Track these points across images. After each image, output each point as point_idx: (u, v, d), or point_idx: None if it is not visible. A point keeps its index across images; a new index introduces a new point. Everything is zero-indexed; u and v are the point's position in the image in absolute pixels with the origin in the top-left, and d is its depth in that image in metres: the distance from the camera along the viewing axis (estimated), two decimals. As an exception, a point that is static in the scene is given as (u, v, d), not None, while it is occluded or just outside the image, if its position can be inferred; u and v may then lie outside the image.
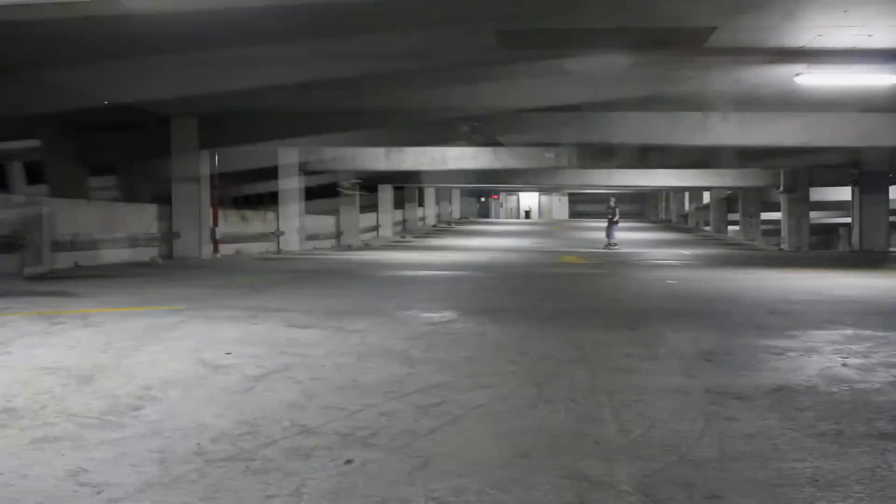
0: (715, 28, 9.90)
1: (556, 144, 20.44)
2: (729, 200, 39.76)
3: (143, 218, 16.38)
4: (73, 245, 13.36)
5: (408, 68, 12.51)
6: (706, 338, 5.97)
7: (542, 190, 59.07)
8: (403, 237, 33.15)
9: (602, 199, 62.62)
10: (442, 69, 12.53)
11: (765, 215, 35.82)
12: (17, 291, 8.96)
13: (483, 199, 64.57)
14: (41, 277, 10.85)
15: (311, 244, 23.35)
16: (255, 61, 12.06)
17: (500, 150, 23.75)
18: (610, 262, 16.60)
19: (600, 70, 12.51)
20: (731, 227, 40.54)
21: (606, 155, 23.80)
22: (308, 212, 23.60)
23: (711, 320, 7.06)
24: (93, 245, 14.02)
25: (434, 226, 43.64)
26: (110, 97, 14.96)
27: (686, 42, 10.73)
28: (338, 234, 27.15)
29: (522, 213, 64.23)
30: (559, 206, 63.69)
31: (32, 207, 11.93)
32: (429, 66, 12.27)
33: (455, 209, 53.77)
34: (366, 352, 5.25)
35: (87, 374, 4.44)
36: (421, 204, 43.30)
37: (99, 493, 2.67)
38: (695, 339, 5.94)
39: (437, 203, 47.73)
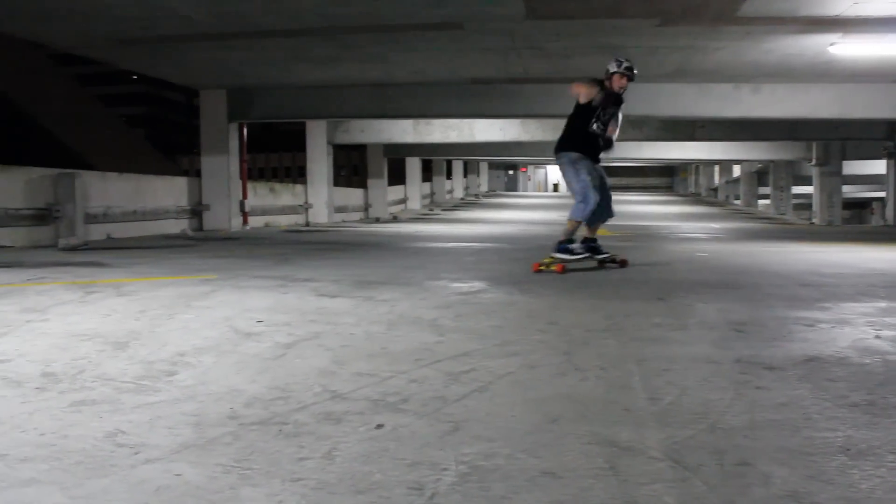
0: (748, -3, 9.75)
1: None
2: (760, 174, 39.27)
3: (174, 190, 16.53)
4: (105, 217, 13.53)
5: (436, 38, 12.46)
6: (736, 309, 5.93)
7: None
8: (431, 210, 33.15)
9: (632, 172, 61.94)
10: (469, 40, 12.47)
11: (796, 189, 35.37)
12: (53, 262, 9.09)
13: (511, 173, 64.34)
14: (75, 249, 11.00)
15: (339, 216, 23.47)
16: (284, 34, 12.08)
17: (528, 122, 23.64)
18: (640, 236, 16.51)
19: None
20: (761, 202, 40.06)
21: (636, 126, 23.61)
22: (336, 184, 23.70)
23: (741, 292, 7.01)
24: (124, 217, 14.18)
25: (462, 199, 43.59)
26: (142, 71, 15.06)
27: (717, 11, 10.58)
28: (366, 207, 27.25)
29: (551, 187, 63.92)
30: (587, 180, 63.23)
31: (65, 180, 12.08)
32: (456, 36, 12.21)
33: (483, 182, 53.60)
34: (395, 320, 5.28)
35: (122, 341, 4.52)
36: (449, 177, 43.25)
37: (136, 453, 2.72)
38: (725, 310, 5.90)
39: (465, 176, 47.63)
